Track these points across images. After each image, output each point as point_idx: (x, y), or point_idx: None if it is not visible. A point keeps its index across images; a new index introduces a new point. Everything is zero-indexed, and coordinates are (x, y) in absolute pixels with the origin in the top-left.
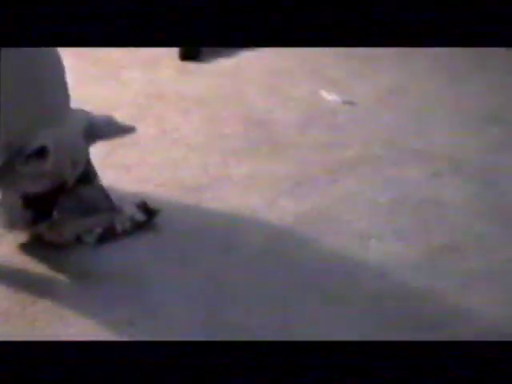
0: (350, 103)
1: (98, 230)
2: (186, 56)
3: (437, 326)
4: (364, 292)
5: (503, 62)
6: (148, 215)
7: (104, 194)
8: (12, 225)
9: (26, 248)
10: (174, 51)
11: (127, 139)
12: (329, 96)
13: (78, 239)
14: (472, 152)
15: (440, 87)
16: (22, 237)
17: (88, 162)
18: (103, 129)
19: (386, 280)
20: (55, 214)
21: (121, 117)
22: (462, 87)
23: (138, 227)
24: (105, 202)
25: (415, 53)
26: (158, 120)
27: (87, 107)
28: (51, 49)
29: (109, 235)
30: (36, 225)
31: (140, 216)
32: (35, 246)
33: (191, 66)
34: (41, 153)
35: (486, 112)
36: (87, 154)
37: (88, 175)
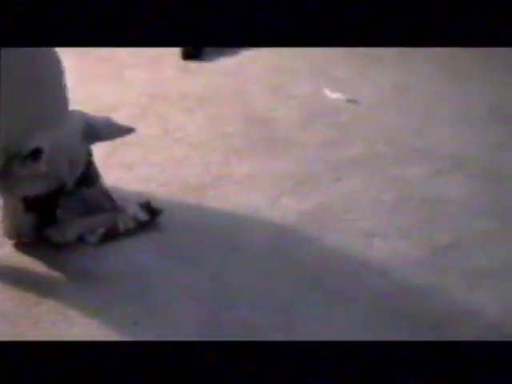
0: (353, 101)
1: (101, 230)
2: (188, 55)
3: (439, 324)
4: (367, 290)
5: (505, 61)
6: (151, 215)
7: (106, 193)
8: (17, 232)
9: (30, 248)
10: (176, 51)
11: (129, 138)
12: (332, 94)
13: (81, 239)
14: (474, 150)
15: (442, 86)
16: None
17: (90, 164)
18: (102, 130)
19: (389, 278)
20: (58, 214)
21: (123, 116)
22: (464, 86)
23: (141, 227)
24: (107, 201)
25: (417, 52)
26: (160, 119)
27: (90, 106)
28: (50, 50)
29: (112, 235)
30: (42, 231)
31: (143, 215)
32: (38, 247)
33: (193, 65)
34: (35, 154)
35: (488, 110)
36: (87, 155)
37: (90, 177)
